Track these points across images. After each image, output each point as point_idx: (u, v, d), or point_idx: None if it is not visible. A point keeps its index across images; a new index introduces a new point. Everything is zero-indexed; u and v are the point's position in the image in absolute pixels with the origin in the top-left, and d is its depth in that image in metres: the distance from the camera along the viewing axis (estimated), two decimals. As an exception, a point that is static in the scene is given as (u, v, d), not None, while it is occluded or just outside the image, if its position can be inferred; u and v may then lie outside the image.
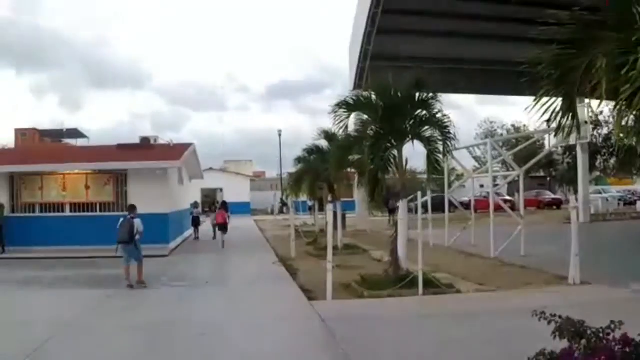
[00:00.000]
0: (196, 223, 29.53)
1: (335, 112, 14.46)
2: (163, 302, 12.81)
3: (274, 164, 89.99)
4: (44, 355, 8.19)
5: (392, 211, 29.90)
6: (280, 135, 64.52)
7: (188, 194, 31.36)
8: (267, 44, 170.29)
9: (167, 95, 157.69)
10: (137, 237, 14.77)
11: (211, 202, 55.06)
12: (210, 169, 53.89)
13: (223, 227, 25.74)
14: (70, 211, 23.50)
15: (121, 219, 15.01)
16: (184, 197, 28.54)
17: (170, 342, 9.01)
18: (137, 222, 14.79)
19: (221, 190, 57.71)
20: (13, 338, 9.23)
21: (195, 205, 30.69)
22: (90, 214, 23.25)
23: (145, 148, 25.05)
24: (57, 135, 64.94)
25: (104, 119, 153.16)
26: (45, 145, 57.73)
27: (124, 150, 24.29)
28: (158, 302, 12.74)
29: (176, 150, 24.80)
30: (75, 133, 64.83)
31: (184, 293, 13.75)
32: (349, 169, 20.92)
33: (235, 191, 51.89)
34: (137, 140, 26.88)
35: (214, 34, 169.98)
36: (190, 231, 29.49)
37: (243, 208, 47.32)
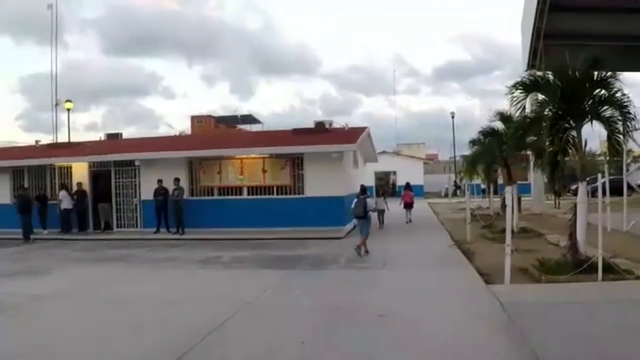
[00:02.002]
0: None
1: (512, 92, 14.21)
2: (341, 283, 13.02)
3: (445, 146, 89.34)
4: (227, 332, 8.63)
5: (559, 193, 29.10)
6: (453, 117, 63.96)
7: (362, 177, 31.78)
8: (434, 24, 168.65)
9: (336, 80, 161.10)
10: (369, 213, 17.65)
11: (384, 184, 55.28)
12: (384, 152, 54.40)
13: (409, 205, 28.74)
14: (248, 194, 24.59)
15: (355, 199, 17.79)
16: (359, 180, 28.95)
17: (350, 322, 9.11)
18: (369, 201, 17.89)
19: (394, 173, 58.01)
20: (198, 315, 9.84)
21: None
22: (267, 196, 24.23)
23: (320, 132, 25.67)
24: (231, 121, 67.81)
25: (275, 104, 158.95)
26: (221, 130, 60.40)
27: (300, 135, 25.05)
28: (336, 283, 12.97)
29: (351, 134, 25.17)
30: (249, 119, 67.40)
31: (361, 274, 13.97)
32: (525, 151, 20.52)
33: (408, 174, 51.44)
34: (310, 125, 27.60)
35: (380, 18, 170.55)
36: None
37: (416, 191, 47.11)
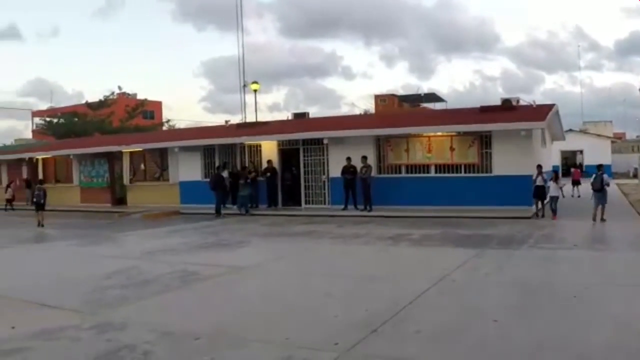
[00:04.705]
0: (539, 194, 21.39)
1: None
2: (532, 263, 12.79)
3: (633, 125, 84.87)
4: (420, 307, 8.72)
5: None
6: (641, 93, 60.69)
7: (549, 156, 30.97)
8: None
9: (516, 56, 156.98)
10: (606, 187, 19.38)
11: (571, 164, 53.62)
12: (570, 130, 52.60)
13: (577, 182, 31.95)
14: (435, 172, 24.49)
15: (594, 175, 19.91)
16: (546, 159, 28.14)
17: (543, 303, 8.95)
18: (605, 177, 19.57)
19: (581, 152, 56.00)
20: (391, 290, 10.03)
21: (539, 170, 21.62)
22: (455, 174, 24.05)
23: (508, 109, 25.04)
24: (414, 99, 67.89)
25: (455, 82, 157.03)
26: (405, 109, 60.60)
27: (487, 112, 24.66)
28: (527, 263, 12.75)
29: (539, 111, 24.43)
30: (432, 97, 67.20)
31: (552, 255, 13.63)
32: None
33: (595, 153, 49.96)
34: (493, 102, 26.94)
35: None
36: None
37: (604, 171, 45.47)
